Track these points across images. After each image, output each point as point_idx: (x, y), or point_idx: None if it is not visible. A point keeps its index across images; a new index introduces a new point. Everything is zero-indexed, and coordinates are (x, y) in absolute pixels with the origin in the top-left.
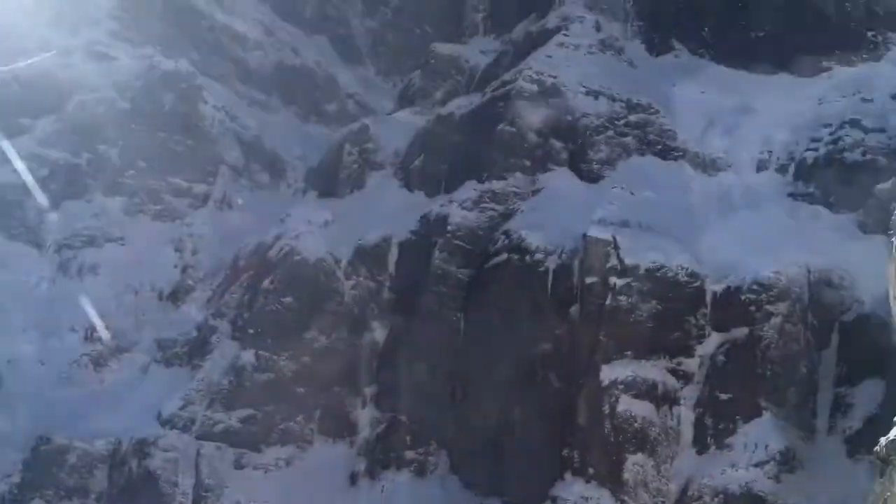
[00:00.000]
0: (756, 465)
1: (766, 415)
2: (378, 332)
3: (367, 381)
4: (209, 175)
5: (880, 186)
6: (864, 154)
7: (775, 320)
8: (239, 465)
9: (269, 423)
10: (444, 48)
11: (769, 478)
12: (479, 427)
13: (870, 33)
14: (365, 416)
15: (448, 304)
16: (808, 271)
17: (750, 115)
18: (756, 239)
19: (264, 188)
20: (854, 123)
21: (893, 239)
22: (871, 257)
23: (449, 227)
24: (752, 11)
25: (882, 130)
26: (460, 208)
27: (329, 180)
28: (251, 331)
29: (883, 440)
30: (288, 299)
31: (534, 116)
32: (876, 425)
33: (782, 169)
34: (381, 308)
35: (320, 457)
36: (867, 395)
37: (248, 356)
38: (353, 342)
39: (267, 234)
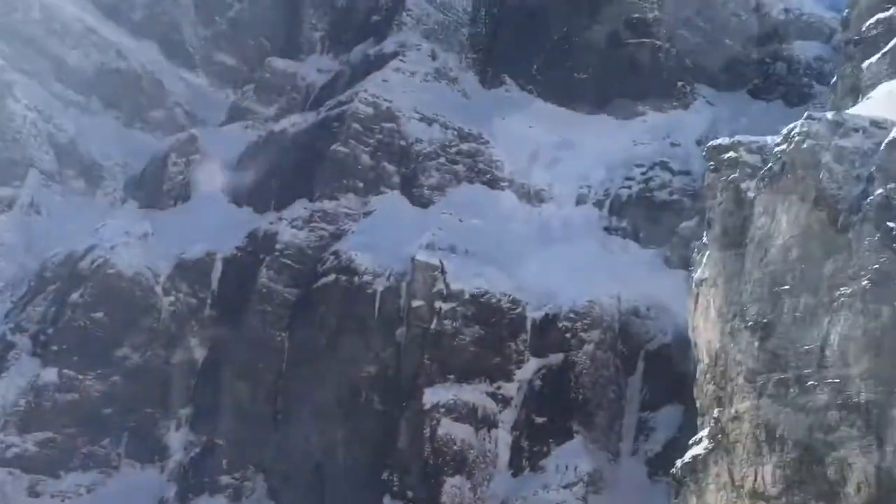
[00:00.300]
0: (566, 487)
1: (577, 438)
2: (197, 351)
3: (182, 402)
4: (16, 178)
5: (684, 225)
6: (671, 194)
7: (588, 347)
8: (34, 493)
9: (70, 447)
10: (279, 63)
11: (578, 499)
12: (300, 450)
13: (679, 83)
14: (178, 439)
15: (273, 324)
16: (619, 302)
17: (571, 151)
18: (573, 269)
19: (78, 195)
20: (663, 165)
21: (694, 274)
22: (675, 290)
23: (277, 245)
24: (577, 54)
25: (687, 173)
26: (290, 226)
27: (151, 191)
28: (55, 347)
29: (679, 462)
30: (99, 314)
31: (368, 139)
32: (674, 448)
33: (599, 204)
34: (202, 325)
35: (126, 483)
36: (667, 420)
37: (49, 375)
38: (169, 361)
39: (79, 245)
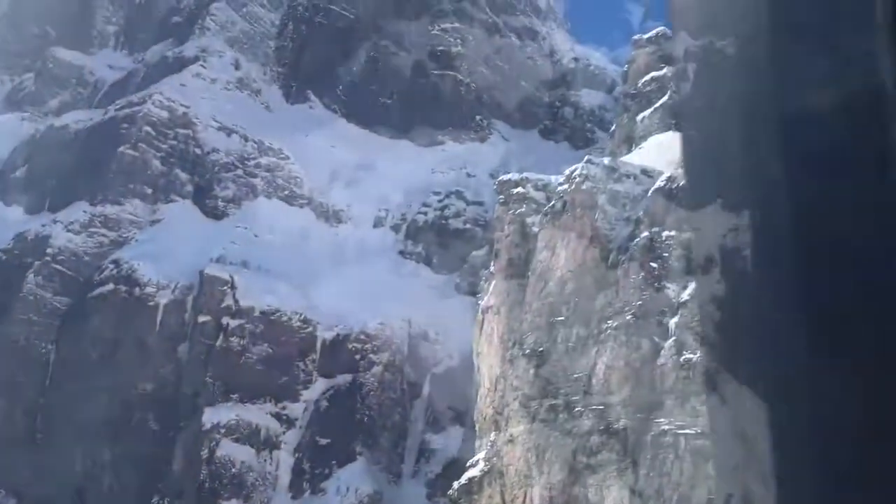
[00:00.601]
0: None
1: (360, 459)
2: None
3: None
4: None
5: (475, 253)
6: (464, 223)
7: (377, 369)
8: None
9: None
10: (65, 54)
11: None
12: (61, 472)
13: (478, 117)
14: None
15: (38, 334)
16: (409, 325)
17: (371, 173)
18: (366, 291)
19: None
20: (459, 195)
21: (480, 302)
22: (463, 316)
23: (49, 250)
24: (382, 79)
25: (481, 204)
26: (65, 230)
27: None
28: None
29: (456, 484)
30: None
31: (160, 143)
32: (454, 470)
33: (395, 227)
34: None
35: None
36: (449, 442)
37: None
38: None
39: None
